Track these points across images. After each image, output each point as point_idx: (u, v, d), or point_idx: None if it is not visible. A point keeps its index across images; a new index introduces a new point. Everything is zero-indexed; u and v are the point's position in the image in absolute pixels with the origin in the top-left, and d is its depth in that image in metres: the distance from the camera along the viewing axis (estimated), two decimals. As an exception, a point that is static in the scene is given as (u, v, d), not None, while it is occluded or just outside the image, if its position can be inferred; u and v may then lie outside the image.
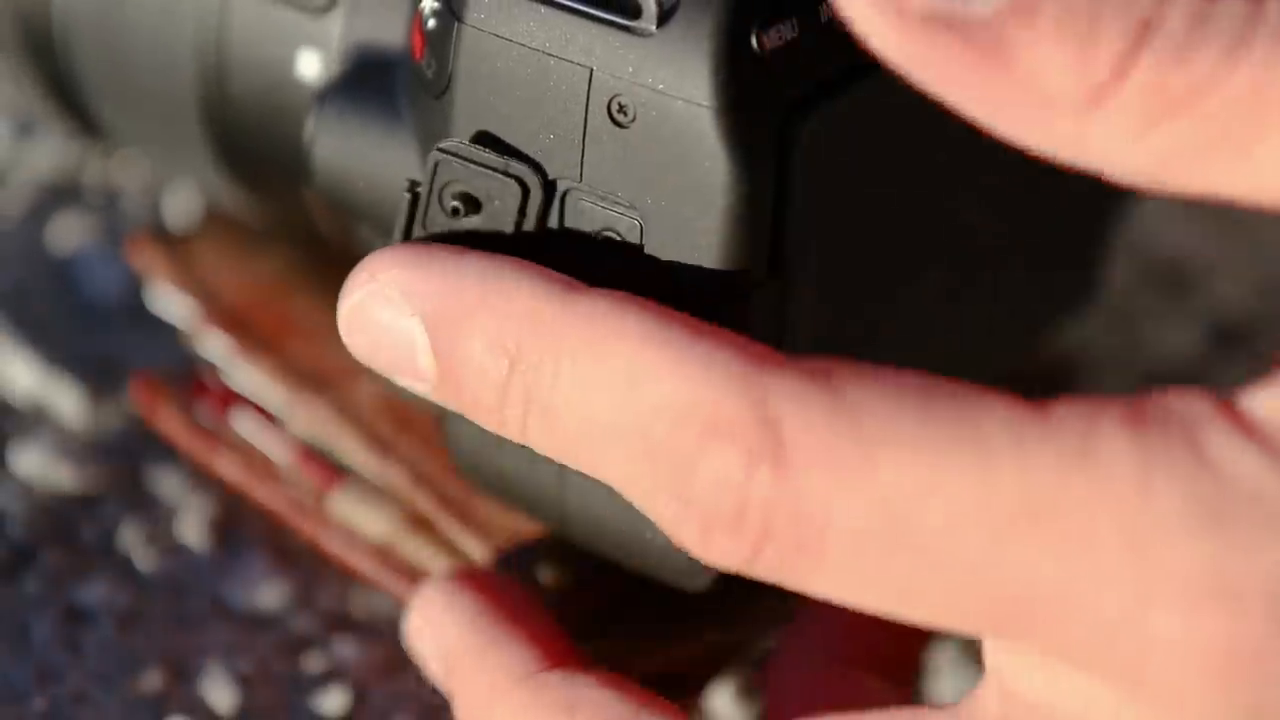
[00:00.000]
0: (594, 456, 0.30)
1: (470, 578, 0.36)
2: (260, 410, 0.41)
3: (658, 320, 0.30)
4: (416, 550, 0.39)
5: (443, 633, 0.35)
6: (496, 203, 0.32)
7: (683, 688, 0.39)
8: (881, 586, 0.29)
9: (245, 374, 0.41)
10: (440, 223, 0.33)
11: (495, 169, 0.32)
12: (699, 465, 0.29)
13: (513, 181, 0.32)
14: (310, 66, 0.38)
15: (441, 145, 0.33)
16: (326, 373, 0.40)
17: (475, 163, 0.32)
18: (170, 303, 0.43)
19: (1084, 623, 0.28)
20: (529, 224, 0.32)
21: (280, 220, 0.41)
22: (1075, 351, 0.47)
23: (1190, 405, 0.28)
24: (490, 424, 0.31)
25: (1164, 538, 0.27)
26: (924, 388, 0.29)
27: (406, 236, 0.33)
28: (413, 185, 0.33)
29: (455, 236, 0.33)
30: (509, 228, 0.32)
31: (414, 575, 0.38)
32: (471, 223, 0.33)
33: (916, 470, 0.28)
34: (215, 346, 0.42)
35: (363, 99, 0.36)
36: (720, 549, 0.29)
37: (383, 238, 0.34)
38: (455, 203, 0.32)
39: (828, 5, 0.32)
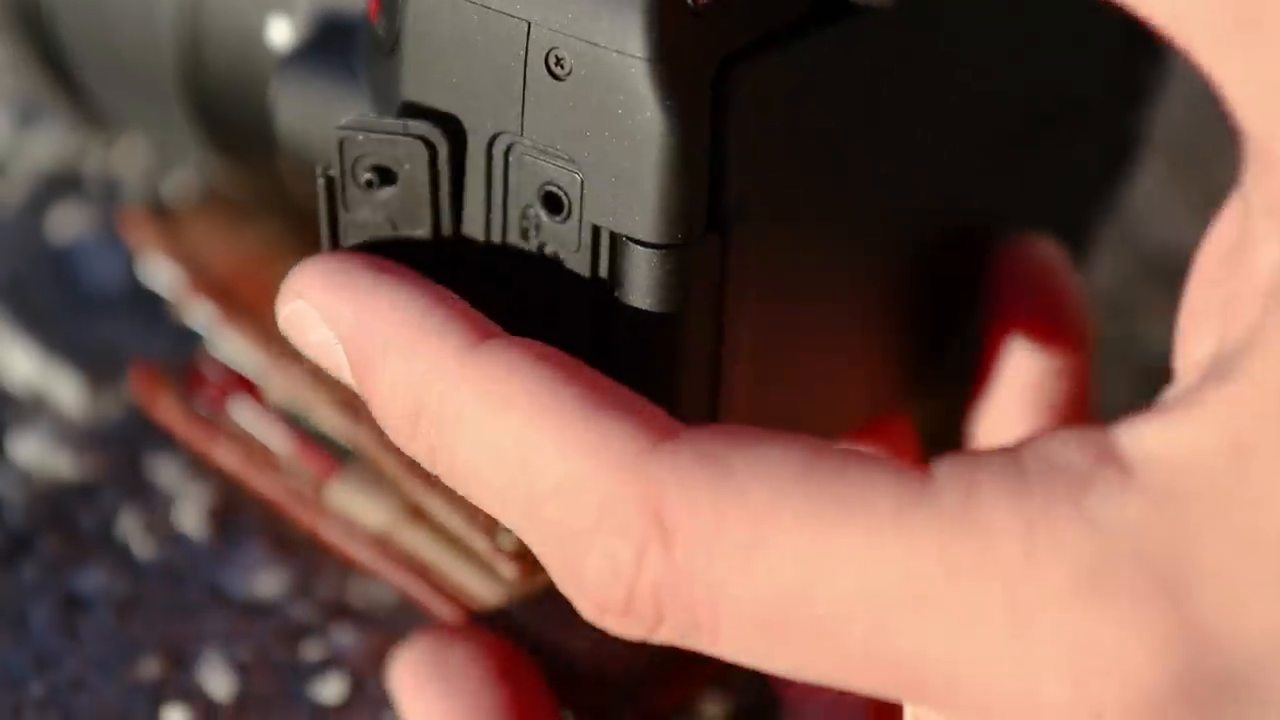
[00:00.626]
0: (494, 510, 0.31)
1: (454, 634, 0.37)
2: (250, 385, 0.41)
3: (554, 385, 0.30)
4: (414, 539, 0.39)
5: (437, 699, 0.36)
6: (407, 167, 0.32)
7: (680, 693, 0.39)
8: (779, 659, 0.29)
9: (228, 342, 0.41)
10: (360, 200, 0.33)
11: (395, 132, 0.32)
12: (588, 553, 0.29)
13: (417, 141, 0.32)
14: (280, 33, 0.38)
15: (341, 123, 0.32)
16: None
17: (376, 131, 0.32)
18: (159, 273, 0.43)
19: (975, 696, 0.28)
20: (445, 182, 0.32)
21: (260, 190, 0.42)
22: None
23: (1072, 455, 0.28)
24: (404, 450, 0.32)
25: (1049, 606, 0.27)
26: (811, 462, 0.28)
27: (332, 222, 0.33)
28: (324, 170, 0.33)
29: (376, 206, 0.33)
30: (426, 190, 0.32)
31: (412, 564, 0.38)
32: (389, 193, 0.32)
33: (802, 554, 0.28)
34: (200, 315, 0.42)
35: (323, 63, 0.36)
36: (617, 627, 0.30)
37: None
38: (369, 175, 0.32)
39: None
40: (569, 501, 0.29)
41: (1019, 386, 0.39)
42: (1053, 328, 0.39)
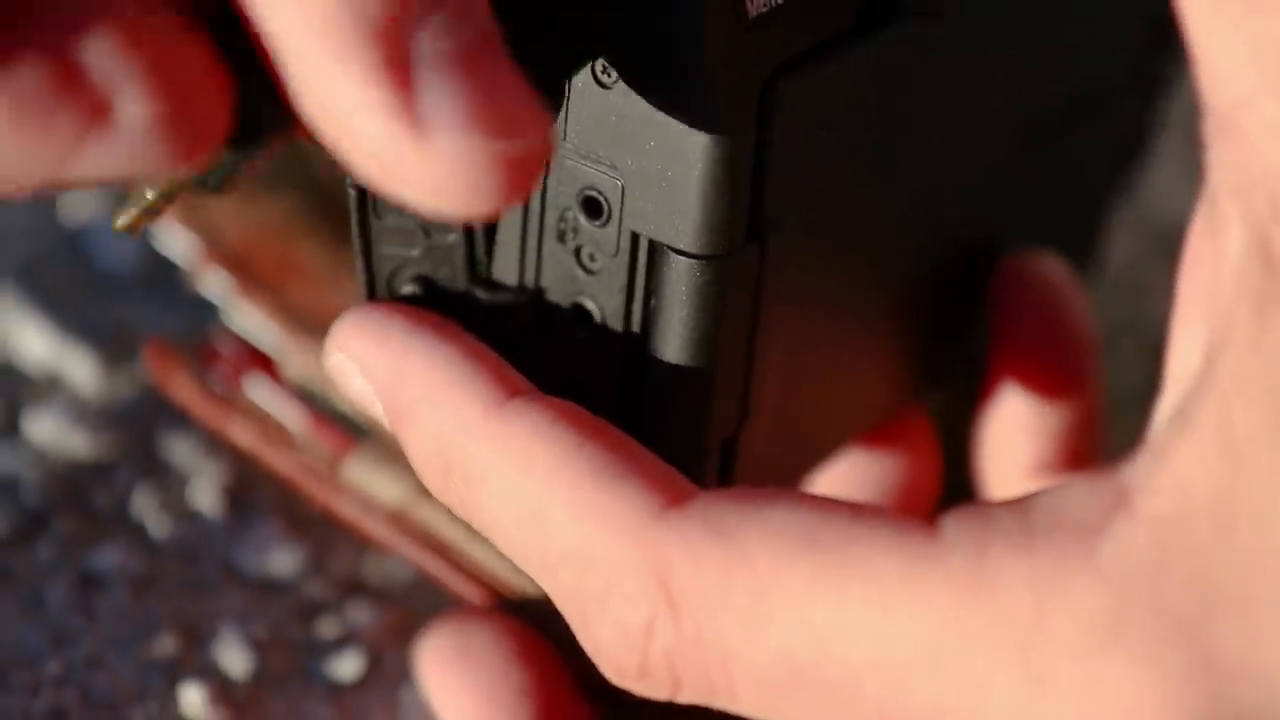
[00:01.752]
0: (519, 564, 0.31)
1: (478, 618, 0.37)
2: (265, 361, 0.41)
3: (571, 447, 0.30)
4: (430, 515, 0.39)
5: (461, 683, 0.37)
6: None
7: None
8: (797, 716, 0.29)
9: (243, 314, 0.41)
10: (391, 208, 0.33)
11: None
12: (601, 621, 0.30)
13: None
14: None
15: None
16: (322, 316, 0.40)
17: None
18: (174, 242, 0.43)
19: None
20: None
21: (283, 165, 0.42)
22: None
23: (1080, 507, 0.28)
24: (438, 499, 0.32)
25: (1064, 662, 0.27)
26: (818, 526, 0.28)
27: (363, 230, 0.33)
28: (354, 181, 0.33)
29: (407, 213, 0.33)
30: None
31: (427, 540, 0.38)
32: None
33: (812, 620, 0.28)
34: (215, 285, 0.42)
35: None
36: (637, 689, 0.30)
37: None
38: None
39: None
40: (580, 568, 0.30)
41: (1021, 413, 0.39)
42: (1054, 354, 0.39)
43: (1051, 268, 0.39)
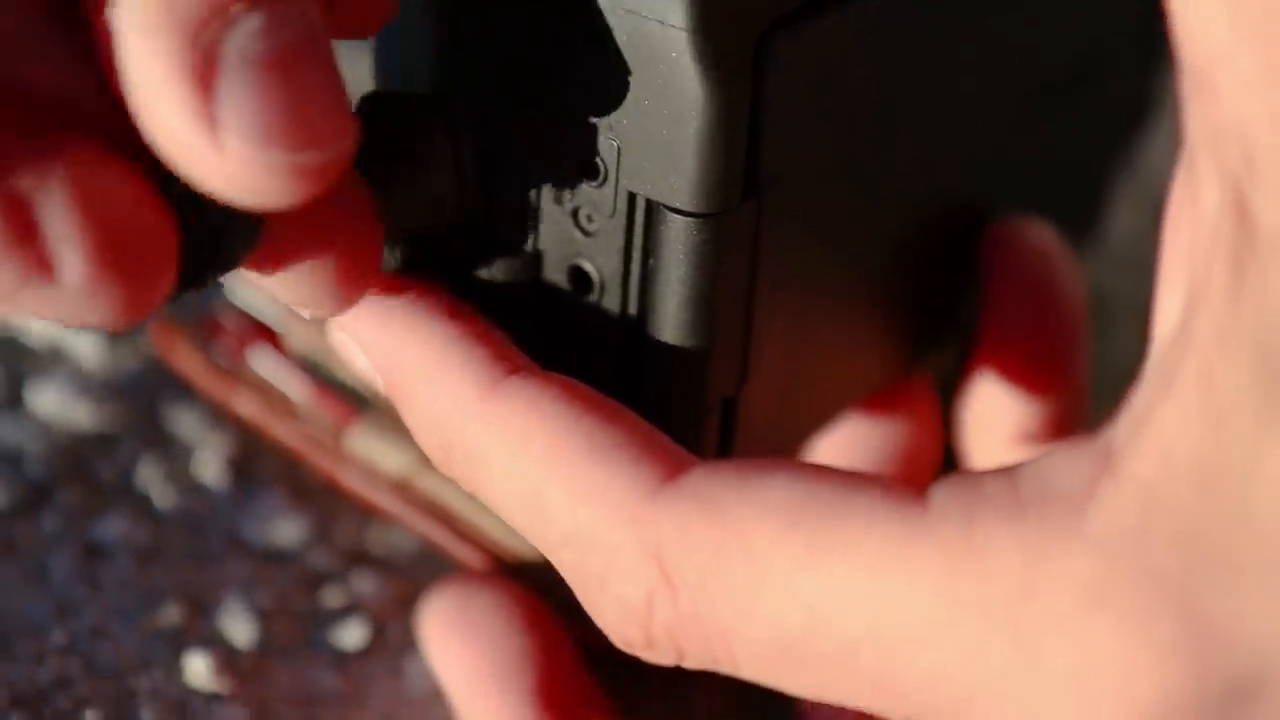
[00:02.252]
0: (525, 537, 0.31)
1: (480, 583, 0.38)
2: (269, 333, 0.41)
3: (566, 426, 0.30)
4: (434, 484, 0.39)
5: (463, 646, 0.37)
6: (429, 138, 0.32)
7: None
8: (798, 686, 0.29)
9: (246, 290, 0.41)
10: (387, 168, 0.33)
11: (412, 110, 0.32)
12: (604, 595, 0.30)
13: (435, 117, 0.32)
14: None
15: (363, 96, 0.32)
16: None
17: (394, 108, 0.32)
18: None
19: None
20: (468, 151, 0.32)
21: None
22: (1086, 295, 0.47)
23: (1067, 475, 0.28)
24: (445, 474, 0.32)
25: (1053, 631, 0.27)
26: (810, 498, 0.29)
27: None
28: None
29: (402, 173, 0.32)
30: (449, 159, 0.32)
31: (432, 509, 0.39)
32: (414, 161, 0.32)
33: (804, 594, 0.28)
34: None
35: None
36: (645, 658, 0.30)
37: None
38: (393, 147, 0.32)
39: None
40: (580, 546, 0.30)
41: (1006, 380, 0.39)
42: (1040, 321, 0.39)
43: (1039, 234, 0.39)
